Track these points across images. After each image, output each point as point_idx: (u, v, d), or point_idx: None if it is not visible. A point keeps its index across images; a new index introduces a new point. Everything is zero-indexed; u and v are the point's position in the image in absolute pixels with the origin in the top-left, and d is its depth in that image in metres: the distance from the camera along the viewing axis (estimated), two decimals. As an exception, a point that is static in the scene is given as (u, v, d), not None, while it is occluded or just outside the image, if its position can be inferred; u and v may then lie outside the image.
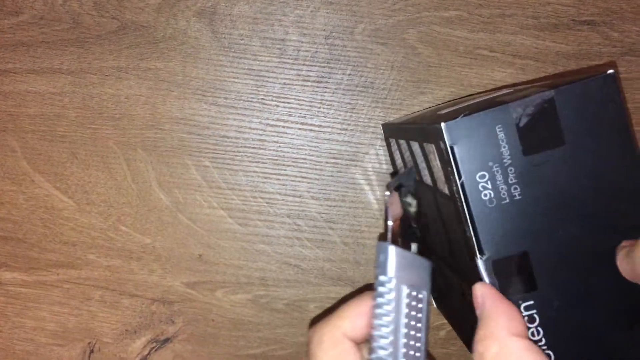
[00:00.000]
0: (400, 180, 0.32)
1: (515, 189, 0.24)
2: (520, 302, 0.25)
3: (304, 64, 0.40)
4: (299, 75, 0.40)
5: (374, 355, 0.25)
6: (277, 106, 0.40)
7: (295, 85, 0.40)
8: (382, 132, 0.41)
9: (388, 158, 0.40)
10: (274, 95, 0.40)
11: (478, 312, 0.25)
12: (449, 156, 0.24)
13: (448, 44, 0.40)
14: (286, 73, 0.40)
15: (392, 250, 0.28)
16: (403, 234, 0.31)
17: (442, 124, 0.24)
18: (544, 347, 0.25)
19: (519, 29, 0.40)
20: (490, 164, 0.24)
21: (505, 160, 0.24)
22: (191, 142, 0.41)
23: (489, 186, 0.24)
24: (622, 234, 0.25)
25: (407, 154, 0.33)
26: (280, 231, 0.41)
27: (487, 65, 0.40)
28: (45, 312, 0.42)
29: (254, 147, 0.41)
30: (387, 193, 0.30)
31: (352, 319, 0.26)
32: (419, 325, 0.27)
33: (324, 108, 0.41)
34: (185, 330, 0.42)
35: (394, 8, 0.40)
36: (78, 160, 0.41)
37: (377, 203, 0.41)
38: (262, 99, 0.40)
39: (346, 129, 0.41)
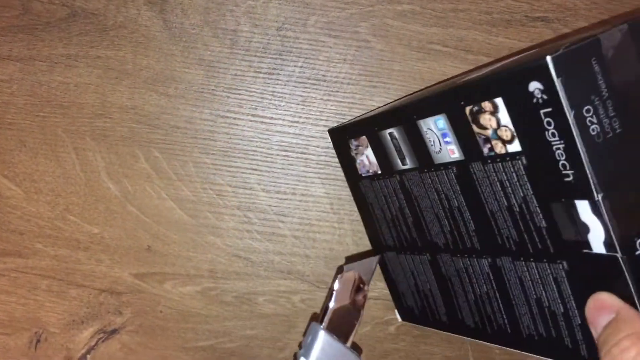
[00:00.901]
0: (358, 270, 0.30)
1: (615, 121, 0.24)
2: (636, 239, 0.24)
3: (255, 55, 0.40)
4: (251, 66, 0.40)
5: None
6: (228, 97, 0.40)
7: (247, 76, 0.40)
8: (332, 126, 0.40)
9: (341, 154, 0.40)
10: (225, 86, 0.40)
11: (605, 318, 0.24)
12: (554, 93, 0.23)
13: (401, 38, 0.40)
14: (237, 64, 0.40)
15: (322, 336, 0.27)
16: (340, 322, 0.29)
17: (548, 57, 0.23)
18: None
19: (471, 24, 0.39)
20: (592, 97, 0.23)
21: (603, 93, 0.24)
22: (141, 132, 0.40)
23: (595, 120, 0.23)
24: None
25: (390, 147, 0.32)
26: (230, 223, 0.41)
27: (439, 60, 0.40)
28: (-8, 301, 0.41)
29: (204, 138, 0.40)
30: (339, 276, 0.29)
31: None
32: None
33: (275, 100, 0.40)
34: (133, 321, 0.41)
35: (347, 1, 0.39)
36: (26, 148, 0.40)
37: (328, 197, 0.41)
38: (213, 89, 0.40)
39: (297, 122, 0.40)
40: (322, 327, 0.27)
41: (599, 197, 0.24)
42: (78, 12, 0.39)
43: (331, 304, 0.28)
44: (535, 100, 0.24)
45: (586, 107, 0.24)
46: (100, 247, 0.41)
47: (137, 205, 0.41)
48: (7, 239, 0.41)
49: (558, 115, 0.24)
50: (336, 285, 0.28)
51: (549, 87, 0.24)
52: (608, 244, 0.24)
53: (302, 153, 0.41)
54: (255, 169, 0.41)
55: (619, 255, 0.24)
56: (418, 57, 0.40)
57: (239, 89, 0.40)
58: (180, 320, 0.42)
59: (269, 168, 0.41)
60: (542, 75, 0.24)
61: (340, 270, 0.31)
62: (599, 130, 0.24)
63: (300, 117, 0.40)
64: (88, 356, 0.42)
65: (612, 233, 0.24)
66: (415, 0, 0.39)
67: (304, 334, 0.28)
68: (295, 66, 0.40)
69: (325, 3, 0.39)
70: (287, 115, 0.40)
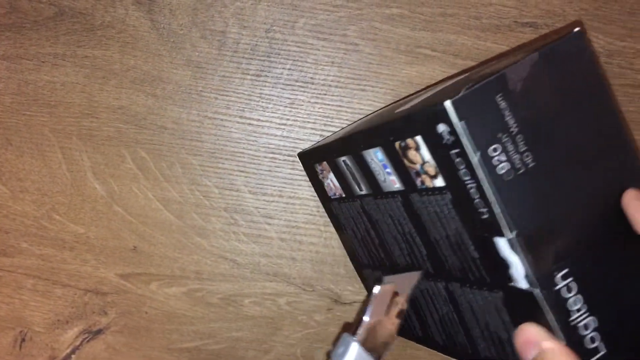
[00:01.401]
0: (397, 283, 0.29)
1: (527, 156, 0.23)
2: (555, 272, 0.24)
3: (243, 57, 0.40)
4: (239, 68, 0.40)
5: None
6: (216, 99, 0.40)
7: (235, 78, 0.40)
8: (320, 129, 0.40)
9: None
10: (213, 87, 0.40)
11: (531, 352, 0.24)
12: (461, 134, 0.23)
13: (389, 42, 0.39)
14: (225, 65, 0.40)
15: (355, 348, 0.26)
16: (373, 338, 0.27)
17: (447, 102, 0.23)
18: (586, 315, 0.24)
19: (460, 28, 0.39)
20: (500, 135, 0.23)
21: (512, 129, 0.23)
22: (128, 132, 0.40)
23: (504, 158, 0.23)
24: (619, 183, 0.25)
25: (354, 173, 0.33)
26: (216, 225, 0.41)
27: (428, 65, 0.40)
28: (-24, 300, 0.41)
29: (191, 140, 0.40)
30: (376, 287, 0.28)
31: None
32: None
33: (263, 102, 0.40)
34: (118, 322, 0.41)
35: (336, 4, 0.39)
36: (12, 147, 0.40)
37: (314, 200, 0.41)
38: (201, 91, 0.40)
39: (285, 124, 0.40)
40: (355, 339, 0.26)
41: (512, 235, 0.24)
42: (66, 11, 0.39)
43: (366, 317, 0.27)
44: (444, 140, 0.24)
45: (493, 147, 0.23)
46: (85, 247, 0.41)
47: (123, 206, 0.41)
48: (-7, 238, 0.41)
49: (465, 156, 0.23)
50: (373, 297, 0.27)
51: (453, 130, 0.23)
52: (528, 279, 0.24)
53: (289, 155, 0.40)
54: (243, 171, 0.41)
55: (536, 290, 0.24)
56: (406, 61, 0.40)
57: (227, 91, 0.40)
58: (166, 321, 0.42)
59: (256, 170, 0.41)
60: (445, 118, 0.23)
61: (378, 281, 0.30)
62: (508, 167, 0.23)
63: (288, 119, 0.40)
64: (73, 356, 0.42)
65: (529, 269, 0.24)
66: (404, 4, 0.39)
67: (333, 343, 0.27)
68: (283, 68, 0.40)
69: (314, 6, 0.39)
70: (275, 118, 0.40)
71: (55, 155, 0.40)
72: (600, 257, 0.24)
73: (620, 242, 0.24)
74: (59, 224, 0.41)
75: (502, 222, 0.23)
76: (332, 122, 0.40)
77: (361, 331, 0.26)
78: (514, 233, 0.23)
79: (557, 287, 0.24)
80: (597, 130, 0.24)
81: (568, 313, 0.24)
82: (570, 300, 0.24)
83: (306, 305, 0.42)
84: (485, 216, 0.24)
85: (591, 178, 0.24)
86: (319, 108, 0.40)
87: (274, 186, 0.41)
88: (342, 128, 0.40)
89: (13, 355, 0.42)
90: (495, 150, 0.23)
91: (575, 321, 0.24)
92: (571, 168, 0.24)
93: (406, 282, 0.30)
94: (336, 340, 0.27)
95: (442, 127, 0.24)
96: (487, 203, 0.23)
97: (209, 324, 0.42)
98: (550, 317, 0.24)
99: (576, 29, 0.24)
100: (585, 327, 0.24)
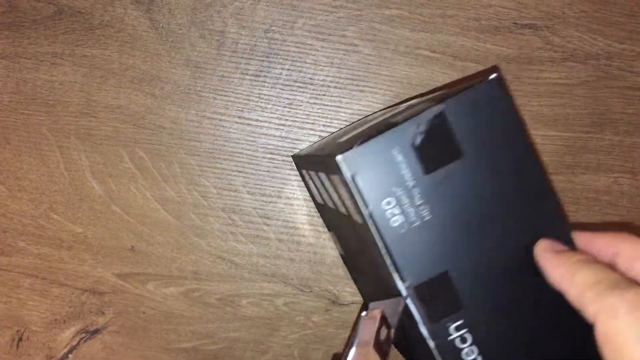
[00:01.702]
0: (384, 307, 0.28)
1: (423, 209, 0.24)
2: (449, 323, 0.24)
3: (242, 57, 0.40)
4: (237, 68, 0.40)
5: None
6: (215, 99, 0.40)
7: (234, 78, 0.40)
8: (319, 129, 0.40)
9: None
10: (212, 87, 0.40)
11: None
12: (352, 187, 0.23)
13: (388, 43, 0.39)
14: (224, 65, 0.40)
15: None
16: None
17: (338, 157, 0.23)
18: None
19: (459, 30, 0.39)
20: (394, 189, 0.23)
21: (408, 183, 0.23)
22: (126, 132, 0.40)
23: (397, 211, 0.24)
24: (532, 234, 0.24)
25: (319, 185, 0.33)
26: (214, 225, 0.41)
27: (427, 66, 0.40)
28: (-26, 299, 0.41)
29: (190, 140, 0.40)
30: (364, 313, 0.28)
31: None
32: None
33: (262, 103, 0.40)
34: (116, 321, 0.41)
35: (335, 4, 0.39)
36: (10, 146, 0.40)
37: (312, 200, 0.41)
38: (200, 90, 0.40)
39: (284, 125, 0.40)
40: None
41: (404, 285, 0.24)
42: (64, 10, 0.39)
43: (354, 345, 0.27)
44: (348, 187, 0.24)
45: (386, 200, 0.23)
46: (83, 246, 0.41)
47: (121, 205, 0.40)
48: (-10, 237, 0.41)
49: (360, 206, 0.24)
50: (361, 324, 0.27)
51: (347, 182, 0.24)
52: (424, 328, 0.24)
53: (287, 156, 0.40)
54: (241, 171, 0.41)
55: (430, 340, 0.25)
56: (405, 62, 0.40)
57: (226, 91, 0.40)
58: (163, 321, 0.41)
59: (255, 170, 0.41)
60: (340, 170, 0.24)
61: (364, 307, 0.29)
62: (402, 220, 0.24)
63: (286, 120, 0.40)
64: (70, 355, 0.42)
65: (422, 319, 0.24)
66: (404, 5, 0.39)
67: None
68: (282, 69, 0.40)
69: (313, 6, 0.39)
70: (274, 118, 0.40)
71: (53, 154, 0.40)
72: (499, 309, 0.25)
73: (523, 295, 0.24)
74: (57, 223, 0.41)
75: (394, 273, 0.24)
76: (330, 122, 0.40)
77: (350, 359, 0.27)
78: (406, 284, 0.24)
79: (451, 338, 0.24)
80: (510, 178, 0.24)
81: None
82: (464, 351, 0.24)
83: (304, 306, 0.42)
84: (386, 262, 0.24)
85: (499, 228, 0.24)
86: (317, 109, 0.40)
87: (273, 187, 0.41)
88: (339, 129, 0.40)
89: (10, 354, 0.42)
90: (388, 203, 0.24)
91: None
92: (475, 220, 0.24)
93: (392, 307, 0.30)
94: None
95: (343, 176, 0.24)
96: (383, 252, 0.24)
97: (207, 324, 0.42)
98: None
99: (492, 76, 0.24)
100: None
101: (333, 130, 0.40)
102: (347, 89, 0.40)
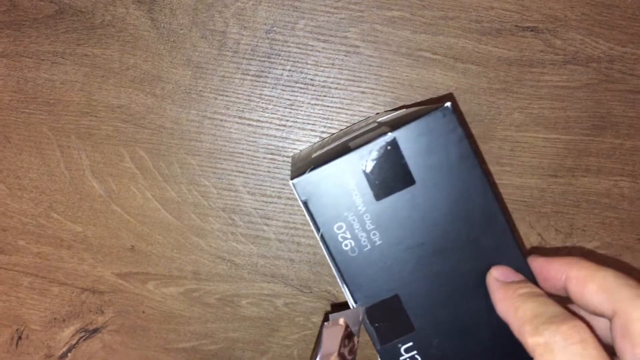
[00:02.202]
0: (345, 317, 0.29)
1: (374, 234, 0.25)
2: (399, 345, 0.25)
3: (243, 58, 0.40)
4: (239, 68, 0.40)
5: None
6: (216, 99, 0.40)
7: (235, 78, 0.40)
8: (320, 130, 0.40)
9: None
10: (213, 87, 0.40)
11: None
12: (305, 211, 0.24)
13: (390, 44, 0.39)
14: (225, 66, 0.40)
15: None
16: None
17: (292, 181, 0.24)
18: None
19: (461, 32, 0.39)
20: (346, 213, 0.24)
21: (359, 208, 0.24)
22: (127, 132, 0.40)
23: (348, 235, 0.24)
24: (484, 260, 0.25)
25: None
26: (214, 225, 0.41)
27: (428, 68, 0.40)
28: (-27, 297, 0.41)
29: (190, 139, 0.40)
30: (326, 324, 0.28)
31: None
32: None
33: (262, 103, 0.40)
34: (115, 321, 0.41)
35: (337, 5, 0.39)
36: (11, 145, 0.40)
37: (313, 201, 0.41)
38: (201, 91, 0.40)
39: (284, 125, 0.40)
40: None
41: (357, 307, 0.25)
42: (66, 9, 0.39)
43: (318, 356, 0.27)
44: (306, 210, 0.25)
45: (338, 224, 0.24)
46: (83, 245, 0.41)
47: (121, 205, 0.40)
48: (-10, 236, 0.41)
49: (314, 229, 0.25)
50: (324, 334, 0.28)
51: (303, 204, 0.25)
52: (377, 348, 0.26)
53: (288, 156, 0.40)
54: (241, 172, 0.41)
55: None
56: (407, 63, 0.40)
57: (227, 91, 0.40)
58: (163, 321, 0.42)
59: (255, 171, 0.41)
60: (296, 193, 0.25)
61: (326, 318, 0.30)
62: (353, 244, 0.25)
63: (287, 120, 0.40)
64: (69, 354, 0.42)
65: (374, 339, 0.25)
66: (405, 7, 0.39)
67: None
68: (283, 69, 0.40)
69: (315, 7, 0.39)
70: (275, 119, 0.40)
71: (53, 153, 0.40)
72: (448, 332, 0.25)
73: (473, 319, 0.25)
74: (57, 222, 0.41)
75: (347, 294, 0.25)
76: (331, 123, 0.40)
77: None
78: (357, 305, 0.25)
79: (401, 358, 0.25)
80: (462, 205, 0.25)
81: None
82: None
83: (303, 306, 0.42)
84: (340, 283, 0.25)
85: (450, 254, 0.25)
86: (318, 110, 0.40)
87: (273, 187, 0.41)
88: (332, 134, 0.40)
89: (9, 353, 0.42)
90: (340, 227, 0.25)
91: None
92: (425, 245, 0.25)
93: (353, 317, 0.30)
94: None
95: (299, 198, 0.25)
96: (336, 274, 0.25)
97: (206, 324, 0.42)
98: None
99: (445, 104, 0.24)
100: None
101: (334, 131, 0.40)
102: (348, 90, 0.40)
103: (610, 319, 0.22)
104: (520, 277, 0.24)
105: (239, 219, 0.41)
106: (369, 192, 0.24)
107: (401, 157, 0.24)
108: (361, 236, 0.24)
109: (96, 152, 0.40)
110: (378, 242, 0.25)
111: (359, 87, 0.40)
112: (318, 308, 0.41)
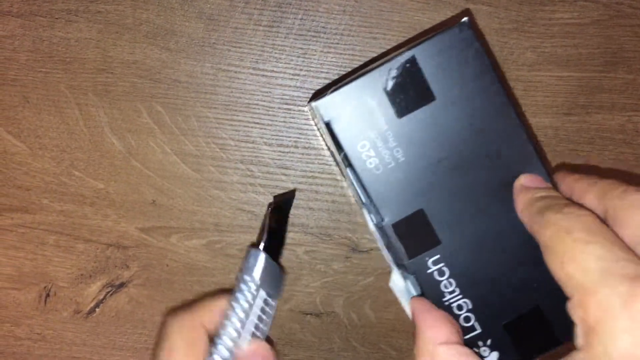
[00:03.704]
0: (277, 200, 0.33)
1: (397, 151, 0.25)
2: (427, 258, 0.26)
3: (255, 8, 0.40)
4: (250, 19, 0.40)
5: (215, 350, 0.28)
6: (229, 51, 0.40)
7: (247, 29, 0.40)
8: (333, 78, 0.41)
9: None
10: (226, 39, 0.40)
11: (413, 322, 0.25)
12: (329, 132, 0.25)
13: (400, -12, 0.40)
14: (237, 17, 0.40)
15: (263, 258, 0.31)
16: (272, 246, 0.33)
17: (313, 103, 0.25)
18: (460, 297, 0.26)
19: (471, -28, 0.39)
20: (369, 132, 0.25)
21: (382, 126, 0.25)
22: (143, 87, 0.40)
23: (372, 153, 0.25)
24: (506, 172, 0.25)
25: (322, 133, 0.34)
26: (233, 177, 0.41)
27: (439, 10, 0.40)
28: (1, 257, 0.42)
29: (206, 92, 0.41)
30: (269, 209, 0.33)
31: (210, 312, 0.30)
32: (264, 329, 0.30)
33: (275, 53, 0.40)
34: (140, 275, 0.42)
35: (346, -50, 0.39)
36: (30, 105, 0.41)
37: (329, 149, 0.41)
38: (214, 43, 0.40)
39: (298, 75, 0.41)
40: (261, 250, 0.31)
41: (383, 223, 0.26)
42: (77, -33, 0.39)
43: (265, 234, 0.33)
44: (327, 131, 0.26)
45: (361, 143, 0.25)
46: (106, 202, 0.41)
47: (141, 160, 0.41)
48: (14, 195, 0.41)
49: (338, 149, 0.26)
50: (267, 216, 0.34)
51: (325, 126, 0.25)
52: (405, 262, 0.26)
53: (303, 106, 0.41)
54: (258, 123, 0.41)
55: (410, 274, 0.26)
56: (418, 7, 0.40)
57: (240, 42, 0.40)
58: (187, 274, 0.42)
59: (271, 121, 0.41)
60: (319, 115, 0.25)
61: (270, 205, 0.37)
62: (377, 162, 0.25)
63: (301, 69, 0.41)
64: (97, 309, 0.43)
65: (402, 253, 0.26)
66: (415, -51, 0.39)
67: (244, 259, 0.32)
68: (295, 18, 0.40)
69: (325, -47, 0.39)
70: (288, 68, 0.41)
71: (72, 111, 0.41)
72: (474, 243, 0.26)
73: (497, 229, 0.26)
74: (79, 179, 0.41)
75: (373, 211, 0.26)
76: (345, 70, 0.40)
77: (263, 244, 0.32)
78: (384, 222, 0.26)
79: (429, 271, 0.26)
80: (482, 119, 0.25)
81: (442, 294, 0.26)
82: (443, 283, 0.26)
83: (324, 254, 0.42)
84: (365, 202, 0.26)
85: (472, 166, 0.26)
86: (331, 57, 0.40)
87: (289, 137, 0.41)
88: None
89: (38, 310, 0.43)
90: (363, 146, 0.25)
91: (450, 302, 0.26)
92: (448, 159, 0.25)
93: (286, 199, 0.36)
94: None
95: (322, 122, 0.26)
96: (361, 193, 0.26)
97: (229, 274, 0.42)
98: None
99: (463, 20, 0.25)
100: (459, 307, 0.26)
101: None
102: (360, 36, 0.40)
103: (605, 219, 0.22)
104: (546, 185, 0.25)
105: (257, 170, 0.41)
106: (390, 110, 0.25)
107: (421, 74, 0.25)
108: (385, 153, 0.25)
109: (114, 109, 0.41)
110: (401, 159, 0.25)
111: (370, 32, 0.40)
112: (338, 255, 0.42)
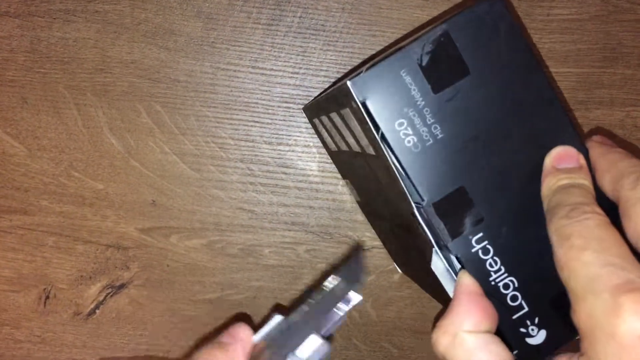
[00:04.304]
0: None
1: (435, 128, 0.24)
2: (470, 237, 0.25)
3: (254, 7, 0.40)
4: (249, 18, 0.40)
5: None
6: (228, 49, 0.40)
7: (246, 28, 0.40)
8: (333, 76, 0.40)
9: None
10: (225, 38, 0.40)
11: (453, 297, 0.25)
12: (363, 112, 0.24)
13: (399, -15, 0.40)
14: (236, 16, 0.40)
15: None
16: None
17: (348, 82, 0.24)
18: (505, 275, 0.25)
19: (469, -31, 0.39)
20: (405, 109, 0.24)
21: (418, 103, 0.24)
22: (142, 87, 0.40)
23: (410, 132, 0.24)
24: (543, 145, 0.25)
25: (333, 131, 0.33)
26: (233, 176, 0.41)
27: (439, 7, 0.40)
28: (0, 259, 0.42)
29: (205, 92, 0.41)
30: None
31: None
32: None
33: (275, 52, 0.40)
34: (141, 275, 0.42)
35: (344, -52, 0.39)
36: (28, 105, 0.40)
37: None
38: (213, 42, 0.40)
39: (297, 73, 0.41)
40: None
41: (423, 202, 0.25)
42: (75, -34, 0.39)
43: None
44: (360, 115, 0.25)
45: (399, 121, 0.24)
46: (105, 202, 0.41)
47: (140, 160, 0.41)
48: (12, 197, 0.41)
49: (372, 131, 0.25)
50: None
51: (358, 107, 0.24)
52: (445, 246, 0.26)
53: (303, 104, 0.41)
54: (257, 121, 0.41)
55: (453, 254, 0.26)
56: (417, 4, 0.40)
57: (239, 41, 0.40)
58: (187, 274, 0.42)
59: (271, 120, 0.41)
60: (350, 98, 0.24)
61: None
62: (415, 140, 0.24)
63: (300, 67, 0.40)
64: (97, 311, 0.42)
65: (445, 234, 0.25)
66: (413, -53, 0.39)
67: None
68: (294, 16, 0.40)
69: (323, -49, 0.39)
70: (288, 67, 0.40)
71: (70, 112, 0.40)
72: (516, 221, 0.25)
73: (537, 204, 0.25)
74: (78, 180, 0.41)
75: (412, 192, 0.25)
76: (344, 68, 0.40)
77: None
78: (425, 202, 0.25)
79: (474, 250, 0.25)
80: (520, 95, 0.25)
81: (488, 273, 0.25)
82: (488, 262, 0.25)
83: (325, 252, 0.42)
84: (402, 184, 0.25)
85: (510, 140, 0.25)
86: (330, 55, 0.40)
87: (289, 135, 0.41)
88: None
89: (38, 312, 0.42)
90: (401, 124, 0.24)
91: (495, 281, 0.25)
92: (486, 134, 0.25)
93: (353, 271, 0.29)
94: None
95: (354, 103, 0.25)
96: (399, 173, 0.25)
97: (230, 274, 0.42)
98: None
99: None
100: (506, 286, 0.26)
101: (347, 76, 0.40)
102: (359, 34, 0.40)
103: (618, 206, 0.22)
104: (574, 162, 0.25)
105: (257, 169, 0.41)
106: (426, 86, 0.24)
107: (455, 48, 0.24)
108: (423, 131, 0.24)
109: (113, 109, 0.40)
110: (440, 136, 0.24)
111: (370, 30, 0.40)
112: (339, 253, 0.42)
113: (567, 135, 0.25)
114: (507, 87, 0.25)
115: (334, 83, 0.41)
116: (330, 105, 0.30)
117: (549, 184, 0.24)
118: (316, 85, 0.41)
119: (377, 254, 0.42)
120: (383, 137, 0.24)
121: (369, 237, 0.42)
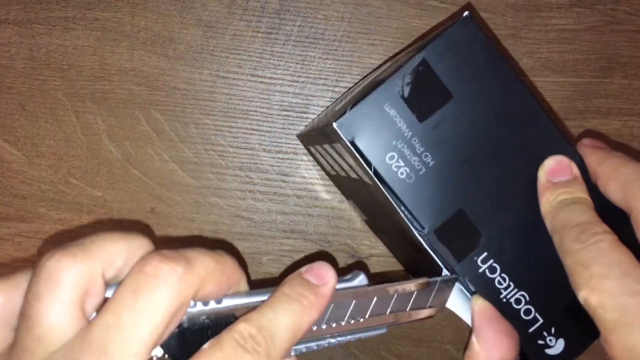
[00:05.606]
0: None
1: (426, 156, 0.25)
2: (475, 258, 0.25)
3: (253, 15, 0.40)
4: (249, 26, 0.40)
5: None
6: (227, 58, 0.40)
7: (245, 36, 0.40)
8: (332, 85, 0.41)
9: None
10: (224, 46, 0.40)
11: (473, 328, 0.25)
12: (353, 151, 0.24)
13: (398, -5, 0.40)
14: (236, 24, 0.40)
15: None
16: None
17: (334, 124, 0.24)
18: (515, 290, 0.26)
19: (468, -21, 0.40)
20: (394, 142, 0.24)
21: (406, 134, 0.24)
22: (141, 94, 0.40)
23: (402, 163, 0.25)
24: (535, 157, 0.25)
25: (329, 159, 0.34)
26: (232, 184, 0.41)
27: (437, 17, 0.40)
28: (-3, 266, 0.41)
29: (204, 99, 0.41)
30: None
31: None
32: None
33: (274, 60, 0.40)
34: (139, 283, 0.42)
35: (344, -42, 0.39)
36: (26, 112, 0.40)
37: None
38: (212, 50, 0.40)
39: (297, 81, 0.41)
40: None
41: (424, 231, 0.25)
42: (74, -26, 0.39)
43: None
44: (352, 151, 0.25)
45: (389, 155, 0.25)
46: (103, 210, 0.41)
47: (139, 168, 0.41)
48: (10, 204, 0.41)
49: (365, 166, 0.25)
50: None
51: (347, 146, 0.25)
52: (451, 269, 0.26)
53: (302, 112, 0.41)
54: (256, 129, 0.41)
55: (461, 277, 0.26)
56: (415, 13, 0.40)
57: (238, 49, 0.40)
58: (185, 282, 0.42)
59: (270, 128, 0.41)
60: (339, 137, 0.25)
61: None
62: (408, 171, 0.25)
63: (299, 76, 0.41)
64: (94, 319, 0.42)
65: (450, 259, 0.25)
66: (412, -43, 0.39)
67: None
68: (293, 25, 0.40)
69: (323, -39, 0.39)
70: (287, 75, 0.41)
71: (69, 119, 0.40)
72: (518, 236, 0.26)
73: (536, 215, 0.26)
74: (76, 188, 0.41)
75: (412, 221, 0.25)
76: (343, 77, 0.41)
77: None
78: (425, 230, 0.25)
79: (481, 270, 0.26)
80: (504, 110, 0.25)
81: (499, 291, 0.26)
82: (497, 280, 0.26)
83: (324, 260, 0.42)
84: (402, 215, 0.25)
85: (502, 158, 0.25)
86: (330, 64, 0.41)
87: (288, 144, 0.41)
88: (341, 94, 0.40)
89: (35, 320, 0.42)
90: (392, 158, 0.25)
91: (507, 298, 0.26)
92: (477, 155, 0.25)
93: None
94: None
95: (343, 142, 0.25)
96: (397, 205, 0.25)
97: (228, 282, 0.42)
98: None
99: (464, 14, 0.25)
100: (518, 302, 0.26)
101: (346, 84, 0.41)
102: (358, 42, 0.40)
103: (630, 216, 0.22)
104: (568, 173, 0.25)
105: (256, 177, 0.41)
106: (411, 116, 0.24)
107: (434, 74, 0.24)
108: (414, 160, 0.25)
109: (112, 116, 0.40)
110: (432, 163, 0.25)
111: (369, 39, 0.40)
112: (338, 261, 0.42)
113: (555, 142, 0.26)
114: (490, 104, 0.25)
115: (323, 112, 0.41)
116: (322, 139, 0.31)
117: (548, 200, 0.24)
118: (315, 94, 0.41)
119: (375, 263, 0.42)
120: (376, 173, 0.25)
121: (367, 245, 0.42)
